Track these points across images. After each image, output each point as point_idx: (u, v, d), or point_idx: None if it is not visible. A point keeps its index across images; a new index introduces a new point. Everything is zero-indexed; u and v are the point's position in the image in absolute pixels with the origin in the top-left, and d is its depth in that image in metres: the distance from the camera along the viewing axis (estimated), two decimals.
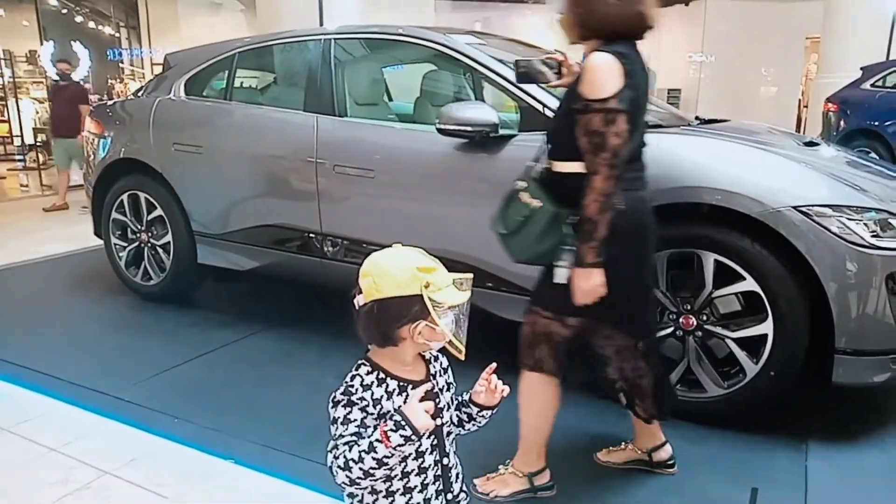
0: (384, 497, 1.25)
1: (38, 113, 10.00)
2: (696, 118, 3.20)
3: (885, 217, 2.19)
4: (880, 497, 2.07)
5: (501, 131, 2.59)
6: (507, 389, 1.31)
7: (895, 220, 2.19)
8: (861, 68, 7.68)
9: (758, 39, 12.95)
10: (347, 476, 1.16)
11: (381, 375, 1.24)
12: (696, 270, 2.32)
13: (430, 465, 1.27)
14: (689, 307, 2.35)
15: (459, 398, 1.36)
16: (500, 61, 2.81)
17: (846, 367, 2.19)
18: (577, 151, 1.74)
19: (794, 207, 2.16)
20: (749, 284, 2.23)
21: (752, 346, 2.28)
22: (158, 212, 3.66)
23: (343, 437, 1.18)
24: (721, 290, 2.29)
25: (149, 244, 3.76)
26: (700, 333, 2.35)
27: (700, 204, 2.27)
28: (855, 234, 2.14)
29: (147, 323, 3.54)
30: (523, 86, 2.59)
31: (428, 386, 1.24)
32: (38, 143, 9.48)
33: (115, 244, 3.89)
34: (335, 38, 3.30)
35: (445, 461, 1.30)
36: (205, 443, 2.29)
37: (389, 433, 1.13)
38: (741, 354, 2.29)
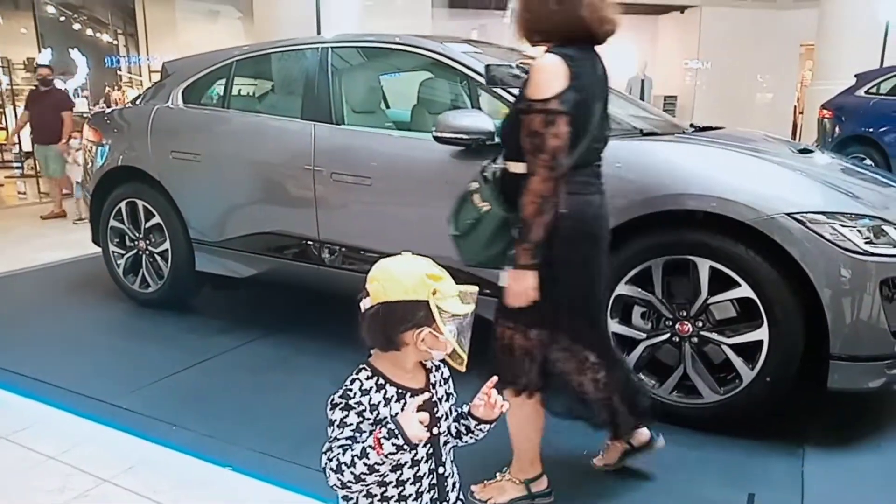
0: (379, 502, 1.25)
1: None
2: (691, 125, 3.22)
3: (878, 224, 2.21)
4: (877, 501, 2.08)
5: (497, 139, 2.61)
6: (506, 405, 1.31)
7: (889, 226, 2.22)
8: (855, 75, 7.73)
9: (753, 46, 13.02)
10: (339, 479, 1.18)
11: (381, 381, 1.25)
12: (692, 277, 2.33)
13: (425, 474, 1.28)
14: (685, 313, 2.36)
15: (458, 410, 1.36)
16: None
17: (841, 373, 2.20)
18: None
19: (788, 214, 2.17)
20: (744, 291, 2.24)
21: (748, 352, 2.29)
22: (156, 219, 3.67)
23: (338, 440, 1.20)
24: (716, 296, 2.31)
25: (147, 252, 3.76)
26: (696, 340, 2.36)
27: (695, 211, 2.29)
28: (849, 240, 2.15)
29: (145, 329, 3.54)
30: None
31: (426, 396, 1.25)
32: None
33: (114, 251, 3.90)
34: (332, 47, 3.33)
35: (441, 470, 1.31)
36: (202, 450, 2.29)
37: (382, 440, 1.14)
38: (737, 360, 2.30)
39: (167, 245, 3.64)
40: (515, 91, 2.13)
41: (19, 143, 9.39)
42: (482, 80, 2.82)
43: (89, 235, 4.11)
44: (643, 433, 2.09)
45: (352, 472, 1.16)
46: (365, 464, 1.15)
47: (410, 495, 1.27)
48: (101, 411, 2.57)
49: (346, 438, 1.19)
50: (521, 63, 2.01)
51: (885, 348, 2.20)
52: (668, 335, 2.40)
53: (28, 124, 7.13)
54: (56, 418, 2.56)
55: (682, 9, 13.64)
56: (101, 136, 3.97)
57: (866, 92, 7.45)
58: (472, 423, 1.33)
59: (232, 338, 3.35)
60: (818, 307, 2.18)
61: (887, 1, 8.83)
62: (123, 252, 3.86)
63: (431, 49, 3.03)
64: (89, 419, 2.53)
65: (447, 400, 1.35)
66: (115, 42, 18.17)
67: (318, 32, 7.83)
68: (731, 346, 2.31)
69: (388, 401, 1.23)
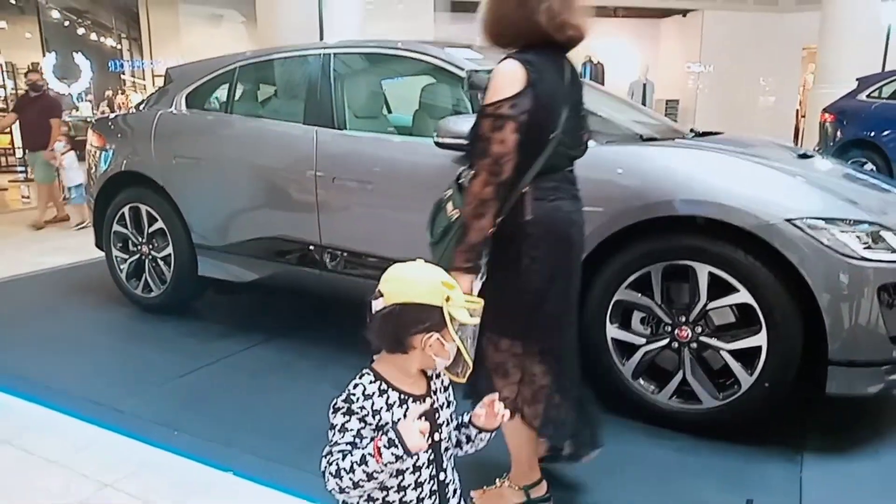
0: None
1: None
2: (692, 130, 3.23)
3: (877, 229, 2.22)
4: None
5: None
6: (507, 414, 1.32)
7: (887, 232, 2.22)
8: (857, 79, 7.73)
9: (755, 50, 13.03)
10: (337, 484, 1.19)
11: (384, 386, 1.26)
12: (691, 282, 2.34)
13: (426, 480, 1.29)
14: (684, 319, 2.37)
15: (460, 418, 1.38)
16: None
17: (840, 378, 2.21)
18: None
19: (788, 220, 2.18)
20: (743, 296, 2.25)
21: (747, 357, 2.29)
22: (159, 224, 3.69)
23: (338, 444, 1.21)
24: (715, 301, 2.32)
25: (150, 256, 3.78)
26: (695, 345, 2.37)
27: (694, 216, 2.30)
28: (847, 246, 2.16)
29: (146, 333, 3.56)
30: None
31: (427, 405, 1.27)
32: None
33: (117, 256, 3.92)
34: (335, 53, 3.34)
35: (442, 476, 1.32)
36: (204, 454, 2.30)
37: (382, 449, 1.16)
38: (736, 366, 2.30)
39: (170, 250, 3.66)
40: None
41: (23, 147, 9.42)
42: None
43: (90, 240, 4.14)
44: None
45: (350, 478, 1.18)
46: (364, 471, 1.17)
47: (411, 501, 1.28)
48: (104, 415, 2.59)
49: (347, 444, 1.21)
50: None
51: (883, 353, 2.21)
52: (667, 340, 2.41)
53: (13, 127, 7.03)
54: (58, 422, 2.58)
55: (684, 12, 13.66)
56: (104, 141, 3.99)
57: (868, 96, 7.45)
58: (474, 431, 1.35)
59: (234, 342, 3.37)
60: (816, 312, 2.18)
61: (888, 5, 8.83)
62: (126, 257, 3.88)
63: (433, 55, 3.05)
64: (91, 423, 2.54)
65: (448, 407, 1.36)
66: (118, 46, 18.27)
67: (321, 36, 7.87)
68: (729, 351, 2.31)
69: (390, 406, 1.25)
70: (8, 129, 10.78)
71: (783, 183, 2.40)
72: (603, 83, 12.28)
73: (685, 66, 13.84)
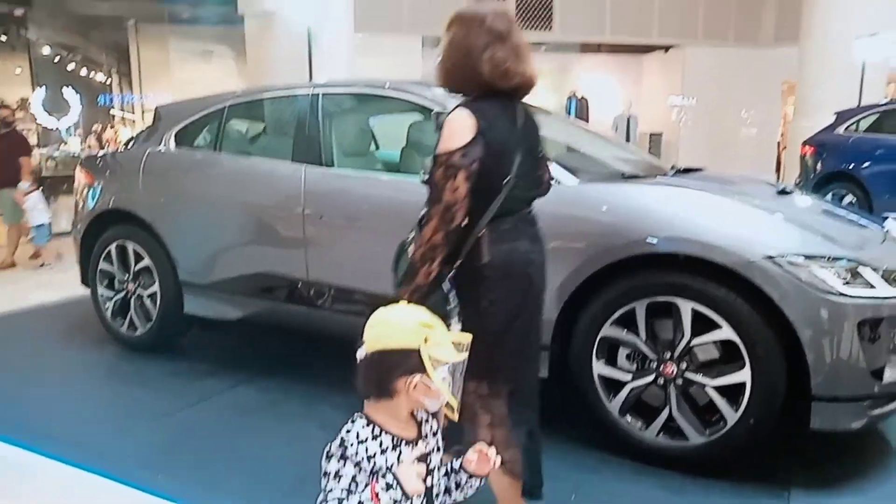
0: None
1: None
2: (672, 167, 3.30)
3: (854, 265, 2.26)
4: None
5: None
6: (499, 460, 1.33)
7: (864, 268, 2.26)
8: (835, 113, 7.92)
9: (736, 84, 13.32)
10: None
11: (377, 430, 1.27)
12: (675, 319, 2.37)
13: None
14: (669, 355, 2.39)
15: (449, 464, 1.38)
16: None
17: (824, 414, 2.23)
18: None
19: (768, 257, 2.22)
20: (726, 332, 2.28)
21: (732, 393, 2.31)
22: (146, 262, 3.68)
23: (334, 491, 1.21)
24: (699, 338, 2.34)
25: (135, 294, 3.76)
26: (680, 381, 2.38)
27: (676, 254, 2.34)
28: (826, 282, 2.20)
29: (131, 373, 3.52)
30: None
31: (421, 448, 1.27)
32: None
33: (102, 294, 3.90)
34: (323, 93, 3.40)
35: None
36: (188, 497, 2.27)
37: (380, 493, 1.16)
38: (721, 402, 2.32)
39: (156, 287, 3.65)
40: None
41: None
42: None
43: (73, 276, 4.11)
44: None
45: None
46: None
47: None
48: (87, 458, 2.54)
49: (343, 490, 1.20)
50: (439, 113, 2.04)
51: (865, 388, 2.23)
52: (653, 377, 2.42)
53: None
54: (39, 465, 2.53)
55: (665, 48, 13.97)
56: (93, 179, 4.00)
57: (846, 129, 7.62)
58: (464, 477, 1.35)
59: (219, 381, 3.34)
60: (799, 348, 2.21)
61: (862, 41, 9.09)
62: (112, 294, 3.86)
63: (420, 94, 3.11)
64: (74, 466, 2.50)
65: (438, 451, 1.36)
66: (108, 81, 18.38)
67: (310, 71, 7.97)
68: (714, 387, 2.33)
69: (384, 450, 1.25)
70: None
71: (763, 220, 2.46)
72: (588, 117, 12.48)
73: (668, 100, 14.11)
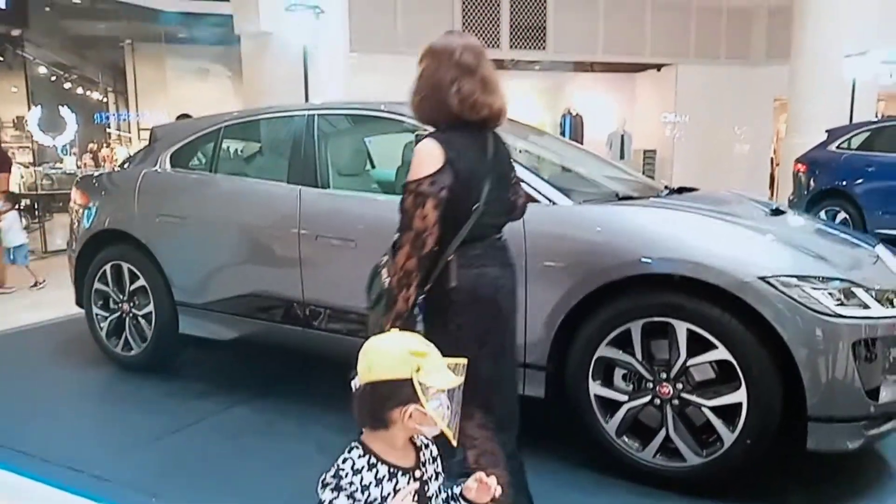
0: None
1: (23, 178, 10.03)
2: (666, 188, 3.32)
3: (848, 286, 2.27)
4: None
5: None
6: (499, 489, 1.32)
7: (858, 289, 2.28)
8: (826, 131, 7.99)
9: (729, 101, 13.43)
10: None
11: (373, 460, 1.26)
12: (670, 339, 2.37)
13: None
14: (665, 375, 2.39)
15: (449, 491, 1.37)
16: None
17: (820, 435, 2.23)
18: None
19: (761, 278, 2.24)
20: (721, 353, 2.28)
21: (729, 413, 2.31)
22: (141, 282, 3.67)
23: None
24: (695, 358, 2.34)
25: (130, 314, 3.75)
26: (677, 401, 2.38)
27: (671, 274, 2.35)
28: (820, 302, 2.21)
29: (126, 394, 3.50)
30: None
31: (416, 486, 1.27)
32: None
33: (97, 314, 3.88)
34: (318, 114, 3.42)
35: None
36: None
37: None
38: (717, 422, 2.32)
39: (151, 307, 3.64)
40: None
41: None
42: None
43: (64, 294, 4.09)
44: None
45: None
46: None
47: None
48: (81, 482, 2.52)
49: None
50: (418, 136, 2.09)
51: (861, 409, 2.24)
52: (649, 397, 2.42)
53: None
54: (31, 489, 2.50)
55: (658, 67, 14.10)
56: (88, 199, 4.00)
57: (838, 147, 7.69)
58: None
59: (214, 402, 3.32)
60: (795, 369, 2.22)
61: (852, 60, 9.21)
62: (107, 315, 3.84)
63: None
64: (69, 491, 2.47)
65: (437, 479, 1.36)
66: (105, 99, 18.43)
67: (306, 90, 7.99)
68: (711, 408, 2.33)
69: (379, 481, 1.25)
70: None
71: (756, 241, 2.47)
72: (582, 134, 12.57)
73: (661, 117, 14.21)
